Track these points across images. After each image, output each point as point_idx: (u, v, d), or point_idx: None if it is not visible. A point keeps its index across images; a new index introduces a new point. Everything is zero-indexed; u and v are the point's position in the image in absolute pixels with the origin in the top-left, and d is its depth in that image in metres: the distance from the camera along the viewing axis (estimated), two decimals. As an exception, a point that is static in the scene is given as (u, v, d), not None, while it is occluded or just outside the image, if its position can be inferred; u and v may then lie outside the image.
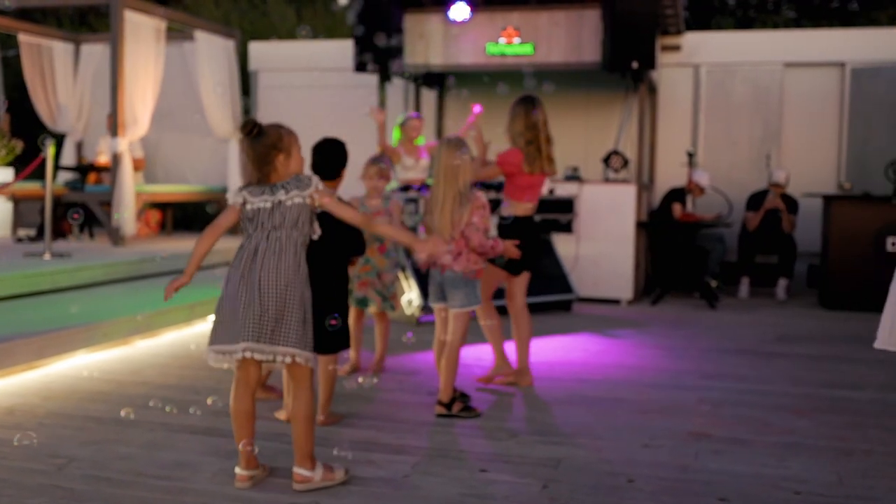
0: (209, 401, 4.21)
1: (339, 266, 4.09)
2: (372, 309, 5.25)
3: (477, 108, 6.94)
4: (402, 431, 4.12)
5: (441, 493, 3.34)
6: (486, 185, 6.95)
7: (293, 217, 3.34)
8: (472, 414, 4.42)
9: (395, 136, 7.58)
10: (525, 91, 5.18)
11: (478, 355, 5.76)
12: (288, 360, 3.31)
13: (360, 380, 4.79)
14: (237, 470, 3.43)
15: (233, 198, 3.42)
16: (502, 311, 5.21)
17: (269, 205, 3.34)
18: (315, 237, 3.44)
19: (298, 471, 3.39)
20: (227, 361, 3.35)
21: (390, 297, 5.24)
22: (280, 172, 3.38)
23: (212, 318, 3.48)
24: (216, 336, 3.36)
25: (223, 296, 3.37)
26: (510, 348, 5.27)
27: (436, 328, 4.64)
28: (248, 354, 3.28)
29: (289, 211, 3.34)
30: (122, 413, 4.22)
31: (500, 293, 5.18)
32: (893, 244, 8.03)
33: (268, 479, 3.45)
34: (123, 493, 3.28)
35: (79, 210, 8.49)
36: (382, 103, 9.25)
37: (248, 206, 3.37)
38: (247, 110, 11.08)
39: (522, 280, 5.04)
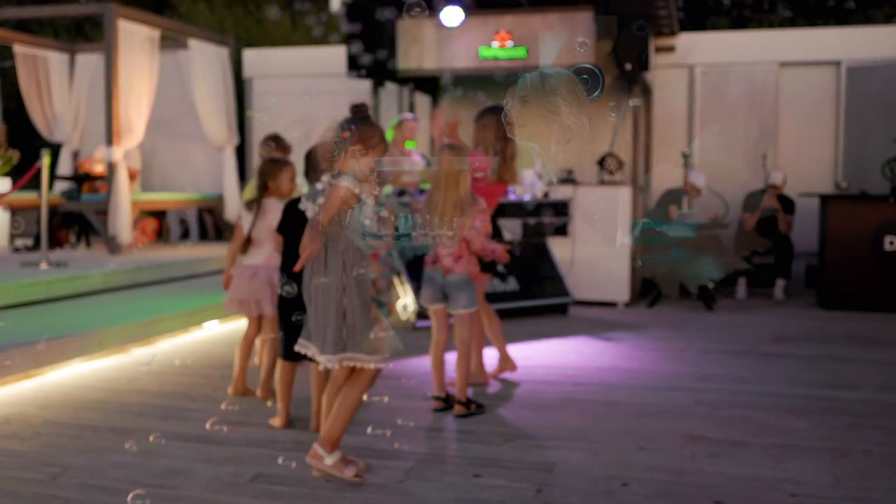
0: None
1: None
2: None
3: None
4: (396, 436, 4.10)
5: (435, 499, 3.33)
6: None
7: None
8: (482, 410, 4.56)
9: (387, 136, 7.56)
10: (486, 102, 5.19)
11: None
12: (331, 365, 3.45)
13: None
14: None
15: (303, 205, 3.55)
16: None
17: (311, 214, 3.41)
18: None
19: (317, 448, 3.46)
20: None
21: (385, 304, 5.25)
22: (347, 161, 3.42)
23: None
24: None
25: None
26: (490, 351, 5.45)
27: (433, 329, 4.66)
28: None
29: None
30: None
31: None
32: (892, 243, 8.01)
33: (261, 486, 3.44)
34: (118, 502, 3.27)
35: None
36: (376, 108, 9.24)
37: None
38: (241, 117, 11.08)
39: (481, 281, 5.07)
